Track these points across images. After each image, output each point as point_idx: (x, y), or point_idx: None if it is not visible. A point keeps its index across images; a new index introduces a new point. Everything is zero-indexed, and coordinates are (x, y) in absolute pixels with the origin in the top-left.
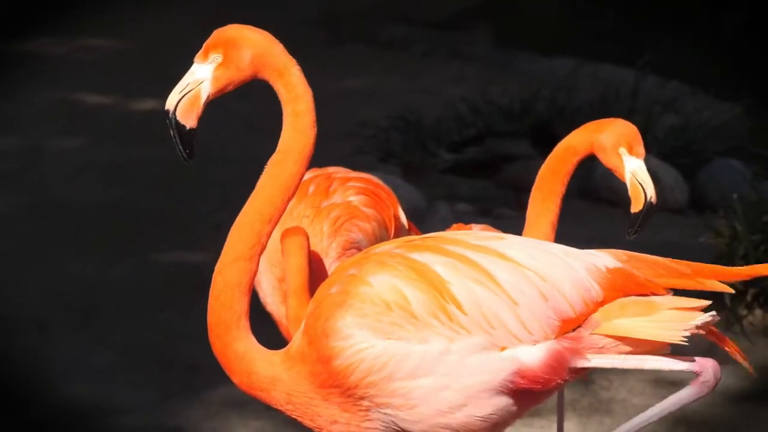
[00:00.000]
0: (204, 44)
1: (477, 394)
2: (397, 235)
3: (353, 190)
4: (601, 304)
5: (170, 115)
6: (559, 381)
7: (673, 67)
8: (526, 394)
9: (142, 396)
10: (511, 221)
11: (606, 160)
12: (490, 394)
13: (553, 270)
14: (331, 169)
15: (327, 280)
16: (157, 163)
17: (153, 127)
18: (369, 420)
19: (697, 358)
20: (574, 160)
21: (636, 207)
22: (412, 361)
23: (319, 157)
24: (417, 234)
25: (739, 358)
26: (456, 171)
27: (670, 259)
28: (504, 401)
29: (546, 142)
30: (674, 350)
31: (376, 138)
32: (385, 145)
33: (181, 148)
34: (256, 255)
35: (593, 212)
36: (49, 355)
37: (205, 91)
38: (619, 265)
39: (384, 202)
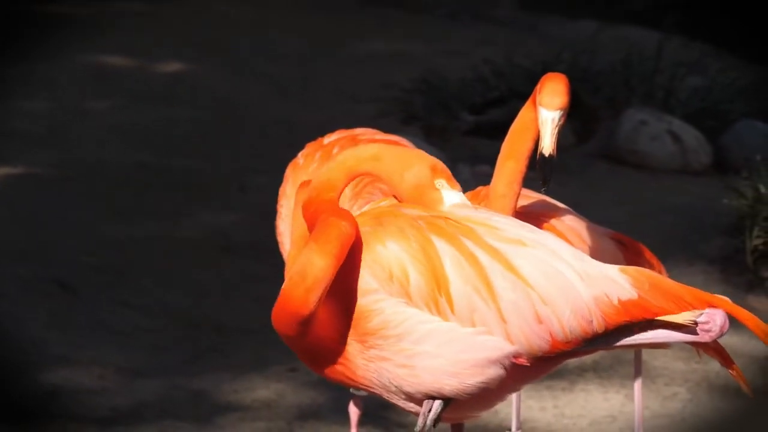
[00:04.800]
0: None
1: (469, 368)
2: None
3: None
4: (599, 336)
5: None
6: (557, 363)
7: (698, 28)
8: (524, 370)
9: (166, 358)
10: (532, 183)
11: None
12: (482, 369)
13: (558, 294)
14: (358, 131)
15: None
16: (184, 125)
17: (180, 89)
18: (367, 370)
19: (708, 310)
20: (530, 116)
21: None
22: (424, 327)
23: (344, 119)
24: None
25: (741, 382)
26: (478, 133)
27: (699, 291)
28: (497, 374)
29: (568, 109)
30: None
31: (400, 100)
32: (408, 107)
33: None
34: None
35: (616, 174)
36: (74, 317)
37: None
38: (634, 296)
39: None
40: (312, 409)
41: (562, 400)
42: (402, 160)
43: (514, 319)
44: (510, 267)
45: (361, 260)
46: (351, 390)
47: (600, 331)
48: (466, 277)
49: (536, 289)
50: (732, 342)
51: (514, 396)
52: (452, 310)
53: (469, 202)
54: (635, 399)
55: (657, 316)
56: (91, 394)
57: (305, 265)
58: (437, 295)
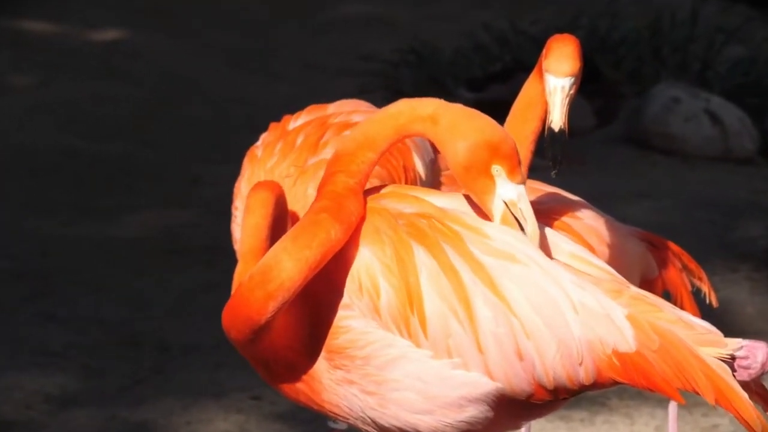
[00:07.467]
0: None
1: (444, 405)
2: None
3: None
4: (591, 388)
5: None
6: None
7: None
8: (516, 410)
9: (103, 383)
10: (540, 173)
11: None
12: (459, 408)
13: (545, 330)
14: (332, 108)
15: None
16: (124, 104)
17: (118, 61)
18: (335, 394)
19: (747, 343)
20: (535, 90)
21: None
22: (391, 353)
23: (315, 97)
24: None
25: None
26: None
27: (721, 378)
28: (481, 413)
29: (585, 78)
30: None
31: (383, 74)
32: (393, 83)
33: None
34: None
35: (643, 161)
36: None
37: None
38: (631, 349)
39: (391, 152)
40: None
41: None
42: (461, 128)
43: (494, 351)
44: (494, 288)
45: (342, 264)
46: (328, 423)
47: (588, 384)
48: (443, 295)
49: (520, 318)
50: None
51: (522, 429)
52: (425, 334)
53: (527, 201)
54: None
55: (654, 387)
56: (13, 427)
57: (272, 266)
58: (409, 314)
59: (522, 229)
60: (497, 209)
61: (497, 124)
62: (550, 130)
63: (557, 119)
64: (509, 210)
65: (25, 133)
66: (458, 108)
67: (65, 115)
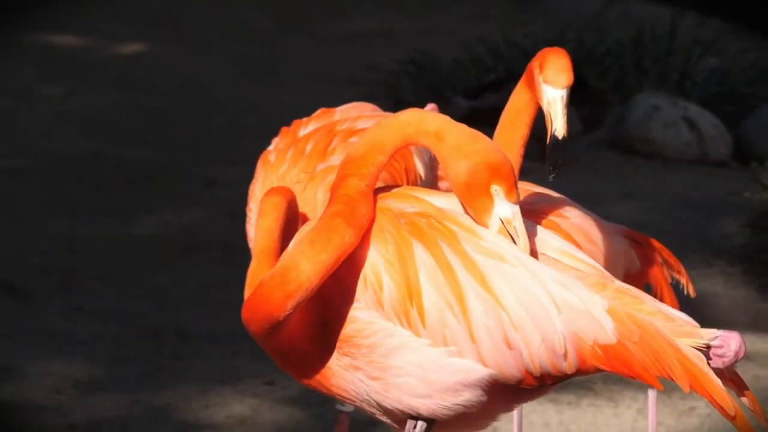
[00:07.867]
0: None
1: (442, 390)
2: None
3: None
4: (575, 374)
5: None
6: (546, 389)
7: (715, 3)
8: (509, 394)
9: (127, 370)
10: (535, 175)
11: (537, 91)
12: (455, 392)
13: (530, 323)
14: (339, 114)
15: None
16: (144, 111)
17: (138, 71)
18: (343, 379)
19: (722, 333)
20: (523, 100)
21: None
22: (393, 342)
23: (321, 105)
24: None
25: (756, 414)
26: (474, 120)
27: (696, 366)
28: (475, 397)
29: (573, 88)
30: None
31: (385, 84)
32: (395, 92)
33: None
34: None
35: (626, 165)
36: (22, 324)
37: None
38: (612, 342)
39: (393, 155)
40: (291, 426)
41: (568, 415)
42: (463, 148)
43: (486, 341)
44: (485, 284)
45: (350, 261)
46: (336, 405)
47: (571, 372)
48: (439, 290)
49: (508, 312)
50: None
51: (515, 412)
52: (423, 324)
53: (521, 219)
54: (649, 415)
55: (634, 375)
56: (44, 411)
57: (291, 268)
58: (408, 306)
59: (515, 243)
60: (494, 226)
61: (497, 146)
62: (554, 137)
63: (560, 128)
64: (504, 227)
65: (53, 139)
66: (462, 129)
67: (90, 123)
